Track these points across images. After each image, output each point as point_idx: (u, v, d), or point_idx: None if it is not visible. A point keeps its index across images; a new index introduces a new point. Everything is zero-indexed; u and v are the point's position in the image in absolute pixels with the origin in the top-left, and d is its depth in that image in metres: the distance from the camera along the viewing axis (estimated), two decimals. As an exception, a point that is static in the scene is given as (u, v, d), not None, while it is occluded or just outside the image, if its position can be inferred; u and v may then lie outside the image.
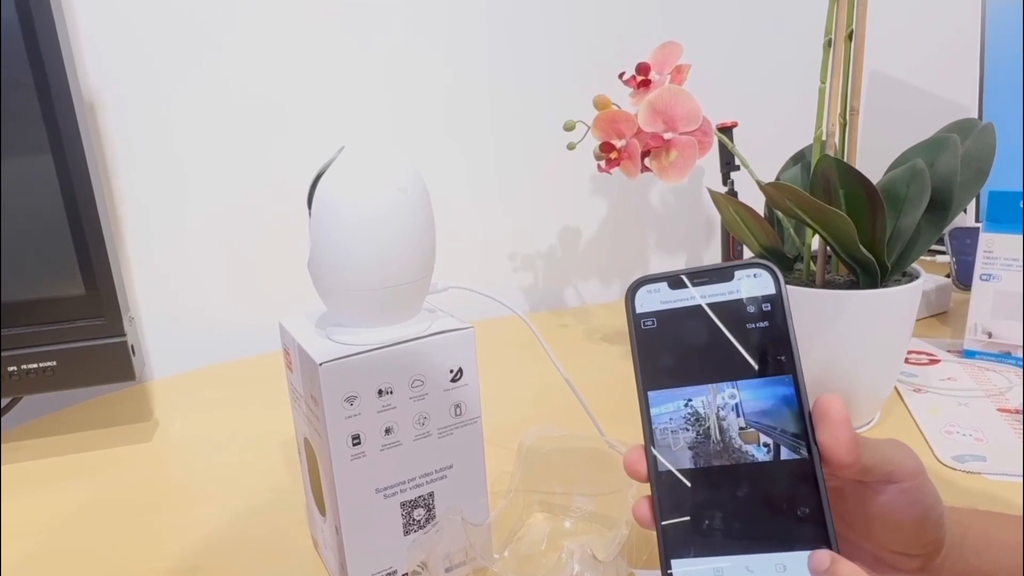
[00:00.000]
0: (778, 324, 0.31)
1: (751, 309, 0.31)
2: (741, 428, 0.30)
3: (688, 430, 0.30)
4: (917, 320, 0.86)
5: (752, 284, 0.31)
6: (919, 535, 0.32)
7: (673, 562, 0.29)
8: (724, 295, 0.32)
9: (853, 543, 0.33)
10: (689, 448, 0.30)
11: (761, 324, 0.31)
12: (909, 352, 0.77)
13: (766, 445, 0.29)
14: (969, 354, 0.74)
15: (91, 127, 0.78)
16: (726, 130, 0.86)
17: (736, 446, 0.30)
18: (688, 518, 0.29)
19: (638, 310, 0.32)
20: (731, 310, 0.31)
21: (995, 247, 0.71)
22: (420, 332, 0.41)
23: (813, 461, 0.29)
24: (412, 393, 0.41)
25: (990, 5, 0.92)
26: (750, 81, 1.06)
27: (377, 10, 0.87)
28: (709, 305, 0.32)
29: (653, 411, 0.31)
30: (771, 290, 0.31)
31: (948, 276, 0.93)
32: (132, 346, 0.63)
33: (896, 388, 0.68)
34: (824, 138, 0.58)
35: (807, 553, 0.28)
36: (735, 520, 0.29)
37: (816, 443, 0.29)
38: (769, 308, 0.31)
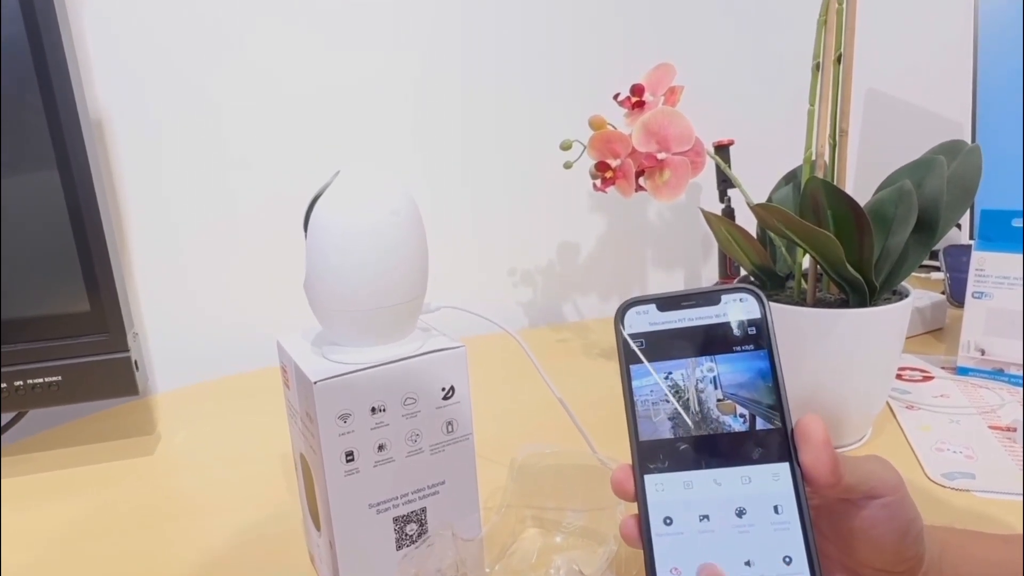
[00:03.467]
0: (763, 348, 0.32)
1: (737, 333, 0.32)
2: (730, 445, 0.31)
3: (674, 444, 0.31)
4: (912, 336, 0.88)
5: (738, 308, 0.33)
6: (900, 550, 0.33)
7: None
8: (711, 318, 0.33)
9: (836, 560, 0.34)
10: (675, 468, 0.31)
11: (747, 347, 0.32)
12: (903, 369, 0.78)
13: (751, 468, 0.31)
14: (962, 371, 0.75)
15: (98, 145, 0.80)
16: (722, 148, 0.88)
17: (723, 478, 0.31)
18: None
19: (627, 331, 0.33)
20: (717, 333, 0.32)
21: (987, 265, 0.71)
22: (412, 351, 0.42)
23: (796, 481, 0.30)
24: (404, 411, 0.42)
25: (982, 26, 0.93)
26: (748, 99, 1.07)
27: (383, 31, 0.89)
28: (696, 327, 0.33)
29: (641, 431, 0.32)
30: (756, 314, 0.32)
31: (943, 293, 0.94)
32: (136, 361, 0.64)
33: (889, 405, 0.69)
34: (813, 159, 0.59)
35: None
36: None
37: (799, 464, 0.30)
38: (755, 332, 0.32)
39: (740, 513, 0.30)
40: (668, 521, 0.30)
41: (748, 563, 0.29)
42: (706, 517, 0.30)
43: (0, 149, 0.57)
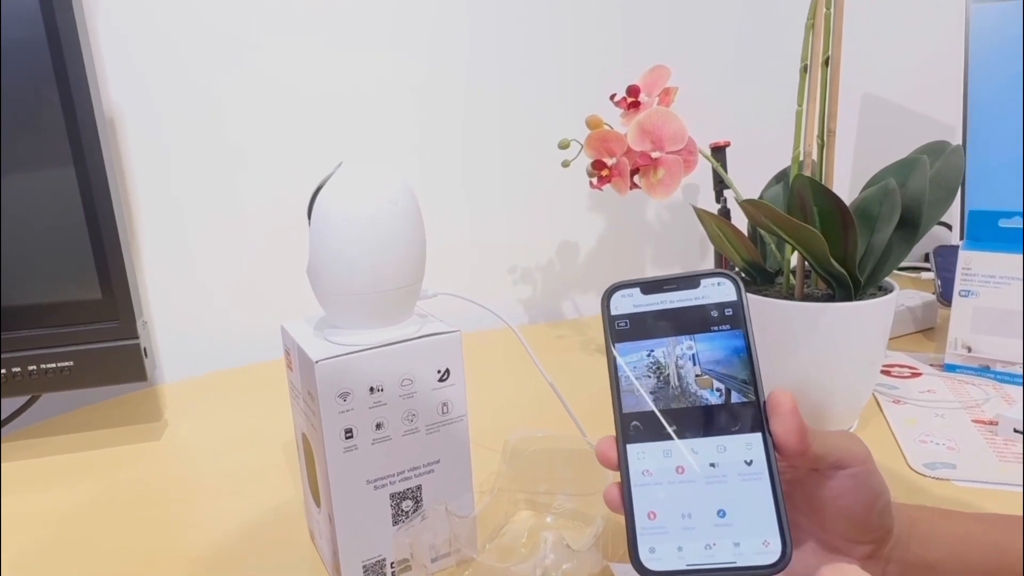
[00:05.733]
0: (739, 328, 0.34)
1: (714, 314, 0.34)
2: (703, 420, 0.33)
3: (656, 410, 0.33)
4: (903, 336, 0.89)
5: (716, 291, 0.35)
6: (868, 520, 0.34)
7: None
8: (691, 300, 0.35)
9: (807, 532, 0.36)
10: (656, 438, 0.33)
11: (723, 327, 0.34)
12: (891, 365, 0.79)
13: (722, 449, 0.32)
14: (950, 368, 0.76)
15: (110, 141, 0.82)
16: (719, 149, 0.89)
17: (700, 447, 0.32)
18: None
19: (613, 312, 0.35)
20: (697, 314, 0.34)
21: (973, 264, 0.73)
22: (410, 334, 0.44)
23: (767, 450, 0.32)
24: (402, 391, 0.44)
25: (973, 32, 0.95)
26: (744, 100, 1.09)
27: (387, 33, 0.91)
28: (677, 309, 0.35)
29: (624, 404, 0.34)
30: (733, 297, 0.34)
31: (934, 293, 0.96)
32: (144, 348, 0.66)
33: (876, 399, 0.71)
34: (801, 158, 0.61)
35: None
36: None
37: (770, 434, 0.32)
38: (731, 313, 0.34)
39: (713, 464, 0.32)
40: (647, 473, 0.32)
41: (720, 511, 0.31)
42: (681, 468, 0.32)
43: (1, 145, 0.60)
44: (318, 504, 0.47)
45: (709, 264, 1.13)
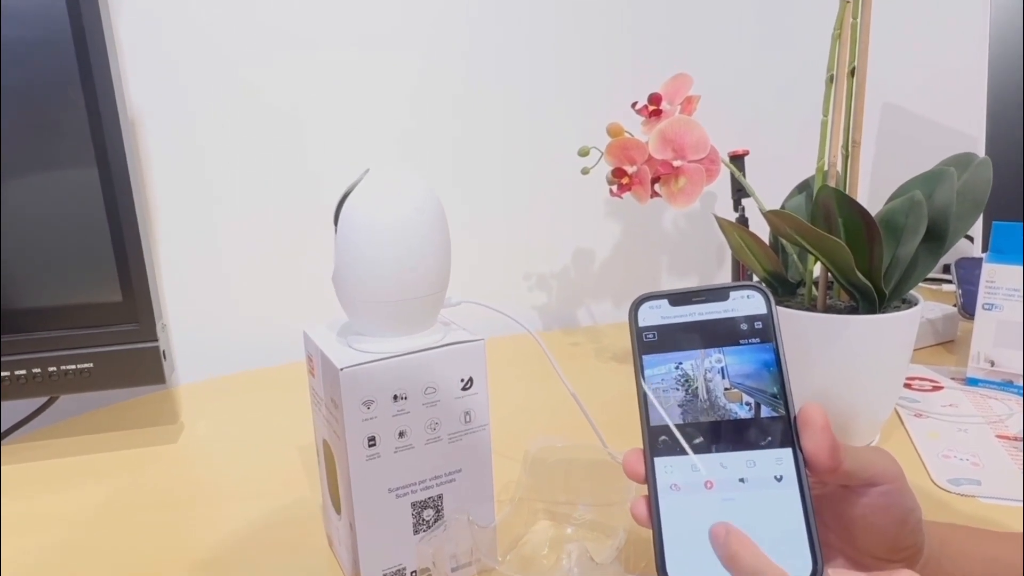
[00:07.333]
0: (768, 341, 0.33)
1: (743, 327, 0.34)
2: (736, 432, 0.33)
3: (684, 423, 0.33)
4: (924, 348, 0.88)
5: (745, 304, 0.34)
6: (898, 538, 0.34)
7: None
8: (719, 313, 0.34)
9: (837, 549, 0.35)
10: (684, 452, 0.33)
11: (753, 340, 0.34)
12: (913, 378, 0.79)
13: (751, 462, 0.32)
14: (972, 382, 0.75)
15: (132, 143, 0.83)
16: (738, 158, 0.89)
17: (728, 461, 0.32)
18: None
19: (640, 324, 0.35)
20: (725, 327, 0.34)
21: (997, 277, 0.72)
22: (434, 343, 0.44)
23: (798, 466, 0.31)
24: (425, 399, 0.43)
25: (995, 44, 0.94)
26: (763, 109, 1.09)
27: (399, 37, 0.91)
28: (706, 321, 0.34)
29: (651, 417, 0.33)
30: (763, 310, 0.34)
31: (955, 305, 0.95)
32: (164, 351, 0.66)
33: (898, 412, 0.70)
34: (826, 169, 0.61)
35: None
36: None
37: (801, 450, 0.32)
38: (760, 327, 0.34)
39: (742, 479, 0.31)
40: (675, 487, 0.32)
41: (750, 527, 0.31)
42: (710, 483, 0.32)
43: (26, 146, 0.60)
44: (338, 511, 0.47)
45: (726, 273, 1.12)
